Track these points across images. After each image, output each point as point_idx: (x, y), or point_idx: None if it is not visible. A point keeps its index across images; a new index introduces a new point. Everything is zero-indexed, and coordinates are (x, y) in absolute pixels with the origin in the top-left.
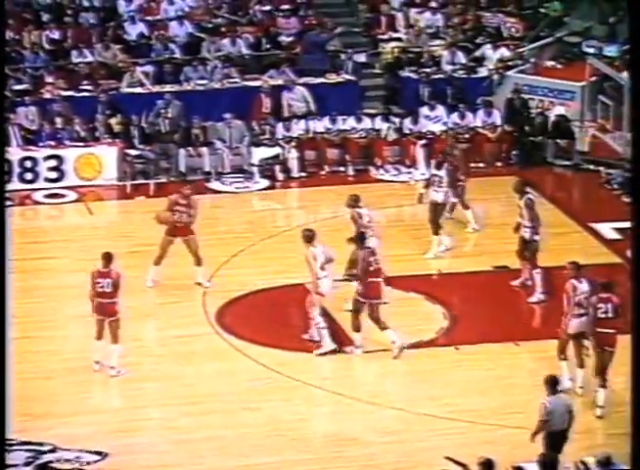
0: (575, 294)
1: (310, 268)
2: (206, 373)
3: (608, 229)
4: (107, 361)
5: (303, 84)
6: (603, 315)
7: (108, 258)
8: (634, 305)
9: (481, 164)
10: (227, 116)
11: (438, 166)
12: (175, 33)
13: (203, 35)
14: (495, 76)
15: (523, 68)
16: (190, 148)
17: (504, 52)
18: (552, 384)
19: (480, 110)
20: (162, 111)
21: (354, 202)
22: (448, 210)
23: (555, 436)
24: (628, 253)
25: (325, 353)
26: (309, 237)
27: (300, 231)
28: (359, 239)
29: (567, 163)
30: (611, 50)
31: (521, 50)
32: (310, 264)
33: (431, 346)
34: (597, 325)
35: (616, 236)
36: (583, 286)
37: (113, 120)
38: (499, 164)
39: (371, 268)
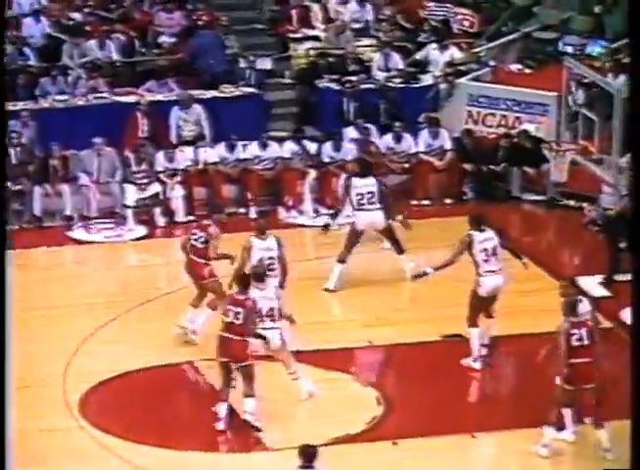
0: (474, 246)
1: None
2: None
3: (593, 284)
4: None
5: (191, 100)
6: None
7: None
8: (634, 307)
9: (426, 202)
10: (97, 140)
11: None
12: (31, 33)
13: (62, 36)
14: (443, 86)
15: (479, 73)
16: (47, 184)
17: (454, 53)
18: None
19: (423, 130)
20: (14, 135)
21: (259, 232)
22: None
23: None
24: (621, 313)
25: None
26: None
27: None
28: (241, 279)
29: (538, 197)
30: (595, 49)
31: (476, 50)
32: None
33: (361, 440)
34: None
35: (604, 292)
36: (485, 234)
37: None
38: (449, 200)
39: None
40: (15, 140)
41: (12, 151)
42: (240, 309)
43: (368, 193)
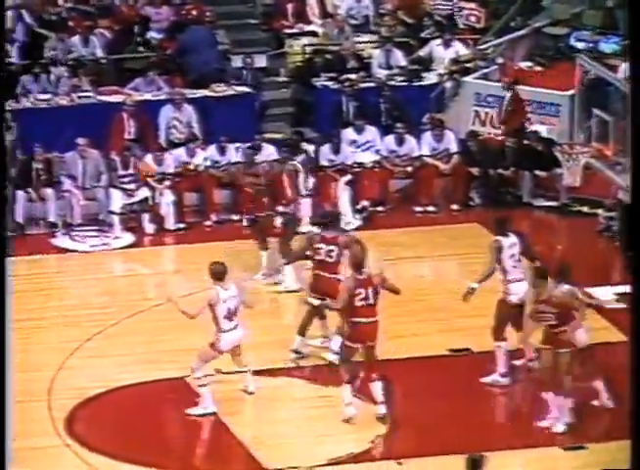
0: (503, 252)
1: (213, 315)
2: None
3: (608, 295)
4: None
5: (181, 100)
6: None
7: None
8: (634, 307)
9: (430, 208)
10: (80, 141)
11: None
12: (11, 29)
13: (44, 31)
14: (448, 84)
15: (486, 71)
16: (29, 189)
17: (460, 49)
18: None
19: (427, 132)
20: None
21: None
22: None
23: None
24: None
25: (200, 415)
26: (220, 273)
27: (208, 265)
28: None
29: (550, 203)
30: (609, 45)
31: (483, 47)
32: (213, 309)
33: (364, 460)
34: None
35: (619, 304)
36: (511, 239)
37: None
38: (455, 207)
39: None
40: None
41: None
42: (333, 247)
43: None
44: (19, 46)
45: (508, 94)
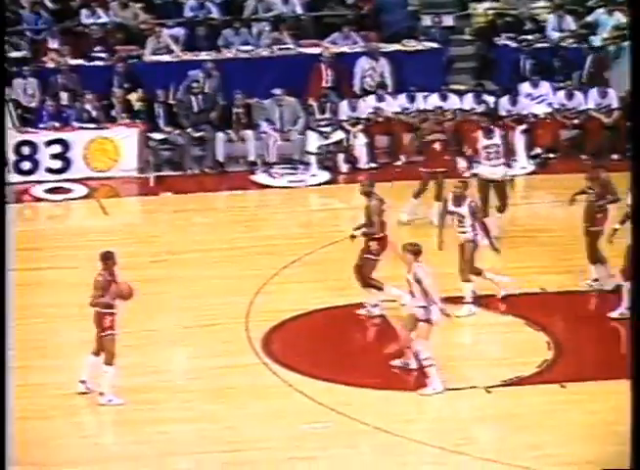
0: None
1: (421, 290)
2: (250, 414)
3: None
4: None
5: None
6: None
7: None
8: (633, 303)
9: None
10: (277, 91)
11: None
12: None
13: None
14: (611, 48)
15: None
16: (230, 131)
17: (621, 18)
18: None
19: (592, 89)
20: (195, 84)
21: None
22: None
23: None
24: None
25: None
26: (417, 251)
27: (404, 245)
28: None
29: None
30: None
31: None
32: (422, 284)
33: (532, 382)
34: None
35: None
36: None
37: (132, 96)
38: (616, 156)
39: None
40: (196, 89)
41: (193, 99)
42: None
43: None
44: (218, 3)
45: (589, 57)
